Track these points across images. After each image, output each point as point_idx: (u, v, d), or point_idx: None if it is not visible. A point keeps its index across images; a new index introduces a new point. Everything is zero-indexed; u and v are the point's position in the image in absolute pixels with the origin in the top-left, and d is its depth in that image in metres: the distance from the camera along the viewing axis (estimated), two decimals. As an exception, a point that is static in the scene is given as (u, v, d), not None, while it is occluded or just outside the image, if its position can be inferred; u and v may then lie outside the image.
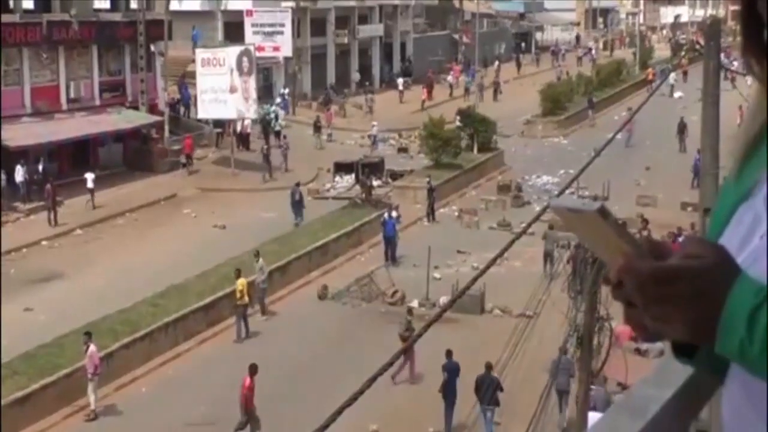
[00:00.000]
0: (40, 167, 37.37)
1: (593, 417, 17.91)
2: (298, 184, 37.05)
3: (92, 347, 21.83)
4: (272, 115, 49.21)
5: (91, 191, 37.48)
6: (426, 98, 61.01)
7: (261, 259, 28.08)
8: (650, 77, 69.77)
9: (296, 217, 35.82)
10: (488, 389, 20.77)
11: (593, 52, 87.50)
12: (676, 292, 1.27)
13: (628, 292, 1.31)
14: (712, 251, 1.31)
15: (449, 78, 67.07)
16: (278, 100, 53.70)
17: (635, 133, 47.66)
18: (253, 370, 20.92)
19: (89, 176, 37.73)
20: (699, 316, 1.27)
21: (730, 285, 1.26)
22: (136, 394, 23.01)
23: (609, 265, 1.33)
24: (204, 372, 23.71)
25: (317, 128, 50.11)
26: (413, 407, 22.05)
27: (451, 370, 21.75)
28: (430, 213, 37.35)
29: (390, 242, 32.73)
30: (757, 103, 1.48)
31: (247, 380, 20.74)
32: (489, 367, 20.80)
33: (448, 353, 22.06)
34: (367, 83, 62.98)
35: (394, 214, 33.43)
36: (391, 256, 32.44)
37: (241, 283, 26.41)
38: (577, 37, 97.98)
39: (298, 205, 36.07)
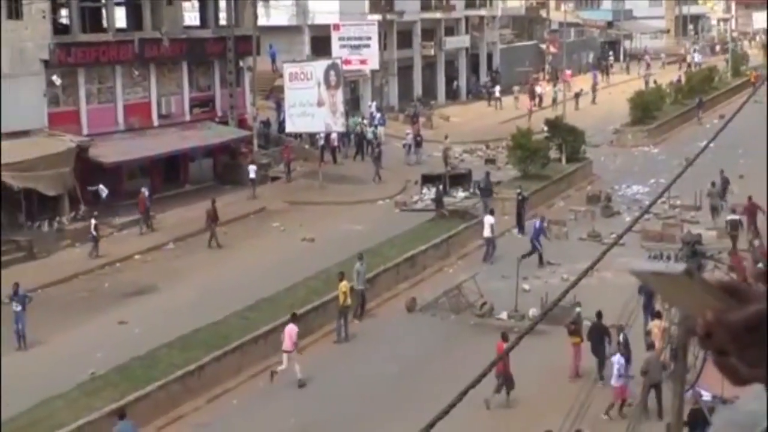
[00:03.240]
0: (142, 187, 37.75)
1: None
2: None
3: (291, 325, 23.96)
4: (370, 130, 49.67)
5: (253, 181, 41.56)
6: (530, 106, 61.35)
7: (360, 262, 28.28)
8: (753, 80, 68.15)
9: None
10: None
11: (698, 58, 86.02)
12: None
13: (719, 343, 1.30)
14: None
15: (538, 88, 66.72)
16: (377, 115, 53.34)
17: None
18: (504, 336, 22.27)
19: (252, 168, 41.74)
20: None
21: None
22: (227, 405, 23.21)
23: (696, 318, 1.33)
24: (293, 384, 23.80)
25: (418, 143, 49.74)
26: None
27: (649, 293, 24.21)
28: (520, 224, 36.96)
29: (534, 248, 32.67)
30: None
31: (501, 345, 21.74)
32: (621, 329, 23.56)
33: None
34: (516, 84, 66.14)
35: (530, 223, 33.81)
36: (539, 259, 32.53)
37: (343, 285, 26.66)
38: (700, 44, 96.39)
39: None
